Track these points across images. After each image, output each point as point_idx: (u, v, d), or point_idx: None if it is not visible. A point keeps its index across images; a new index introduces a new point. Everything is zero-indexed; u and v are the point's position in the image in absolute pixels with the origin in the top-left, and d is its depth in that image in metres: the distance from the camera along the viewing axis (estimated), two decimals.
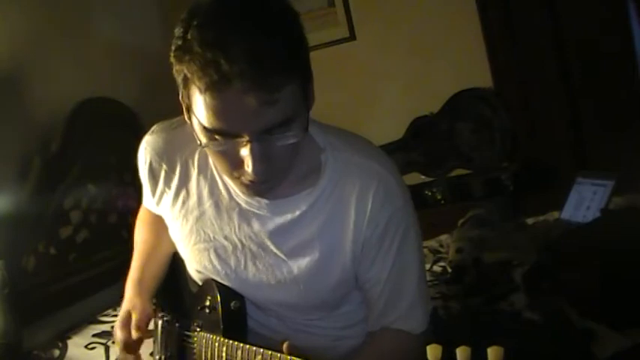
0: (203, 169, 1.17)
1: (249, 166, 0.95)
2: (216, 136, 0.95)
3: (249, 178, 0.99)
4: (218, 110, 0.92)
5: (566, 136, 3.07)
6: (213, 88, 0.90)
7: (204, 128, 0.95)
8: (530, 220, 2.31)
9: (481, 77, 3.06)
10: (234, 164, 0.98)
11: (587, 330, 1.46)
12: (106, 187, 2.20)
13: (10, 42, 2.05)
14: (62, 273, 2.04)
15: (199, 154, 1.17)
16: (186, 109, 1.01)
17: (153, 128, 1.25)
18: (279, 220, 1.12)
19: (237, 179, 1.02)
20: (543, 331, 1.52)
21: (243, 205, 1.13)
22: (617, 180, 2.10)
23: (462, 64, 3.08)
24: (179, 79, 0.96)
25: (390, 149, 2.99)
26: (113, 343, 1.82)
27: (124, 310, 1.31)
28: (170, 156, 1.20)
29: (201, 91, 0.91)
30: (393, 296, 1.14)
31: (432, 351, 0.68)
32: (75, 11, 2.35)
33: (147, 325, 1.30)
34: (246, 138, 0.93)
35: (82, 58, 2.33)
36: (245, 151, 0.95)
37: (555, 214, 2.29)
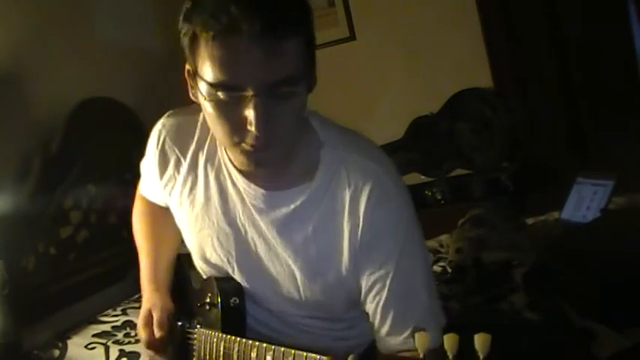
0: (212, 155, 1.17)
1: (252, 124, 0.95)
2: (220, 93, 0.96)
3: (251, 142, 0.98)
4: (225, 60, 0.93)
5: (566, 136, 3.07)
6: (222, 34, 0.92)
7: (209, 85, 0.96)
8: (530, 220, 2.31)
9: (481, 77, 3.06)
10: (235, 127, 0.98)
11: (587, 330, 1.46)
12: (106, 187, 2.20)
13: (10, 42, 2.05)
14: (62, 273, 2.03)
15: (210, 141, 1.17)
16: (192, 75, 1.01)
17: (169, 112, 1.26)
18: (275, 213, 1.12)
19: (237, 146, 1.01)
20: (543, 331, 1.52)
21: (243, 194, 1.13)
22: (617, 180, 2.11)
23: (462, 64, 3.08)
24: (186, 42, 0.98)
25: (390, 149, 2.98)
26: (113, 343, 1.83)
27: (144, 310, 1.31)
28: (183, 141, 1.20)
29: (208, 42, 0.93)
30: (402, 307, 1.08)
31: (420, 338, 0.68)
32: (75, 11, 2.35)
33: (169, 321, 1.29)
34: (251, 93, 0.94)
35: (82, 58, 2.32)
36: (248, 109, 0.95)
37: (555, 214, 2.29)
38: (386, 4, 3.19)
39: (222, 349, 1.16)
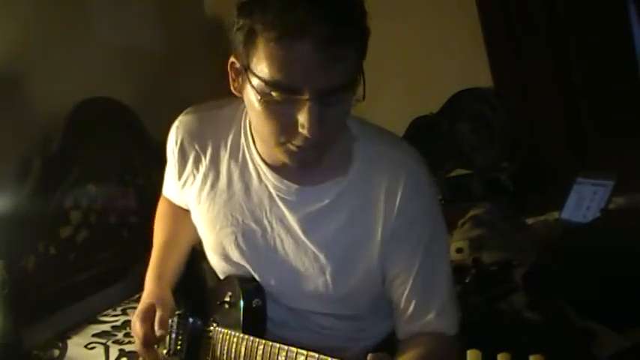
0: (235, 152, 1.16)
1: (304, 127, 0.95)
2: (274, 93, 0.94)
3: (298, 143, 0.98)
4: (285, 62, 0.92)
5: (566, 136, 3.06)
6: (286, 37, 0.90)
7: (265, 83, 0.94)
8: (530, 220, 2.31)
9: (481, 77, 3.06)
10: (285, 127, 0.98)
11: (586, 330, 1.46)
12: (106, 187, 2.20)
13: (11, 42, 2.05)
14: (62, 273, 2.04)
15: (232, 137, 1.17)
16: (239, 70, 1.00)
17: (187, 110, 1.25)
18: (308, 208, 1.11)
19: (282, 145, 1.01)
20: (543, 331, 1.52)
21: (272, 190, 1.13)
22: (617, 180, 2.11)
23: (462, 64, 3.08)
24: (240, 37, 0.96)
25: None
26: (113, 342, 1.83)
27: (147, 303, 1.27)
28: (202, 137, 1.19)
29: (269, 42, 0.91)
30: (425, 294, 1.12)
31: (473, 356, 0.68)
32: (75, 11, 2.35)
33: (168, 320, 1.28)
34: (306, 97, 0.93)
35: (82, 58, 2.32)
36: (302, 112, 0.94)
37: (555, 214, 2.29)
38: (386, 4, 3.18)
39: (242, 350, 1.14)
